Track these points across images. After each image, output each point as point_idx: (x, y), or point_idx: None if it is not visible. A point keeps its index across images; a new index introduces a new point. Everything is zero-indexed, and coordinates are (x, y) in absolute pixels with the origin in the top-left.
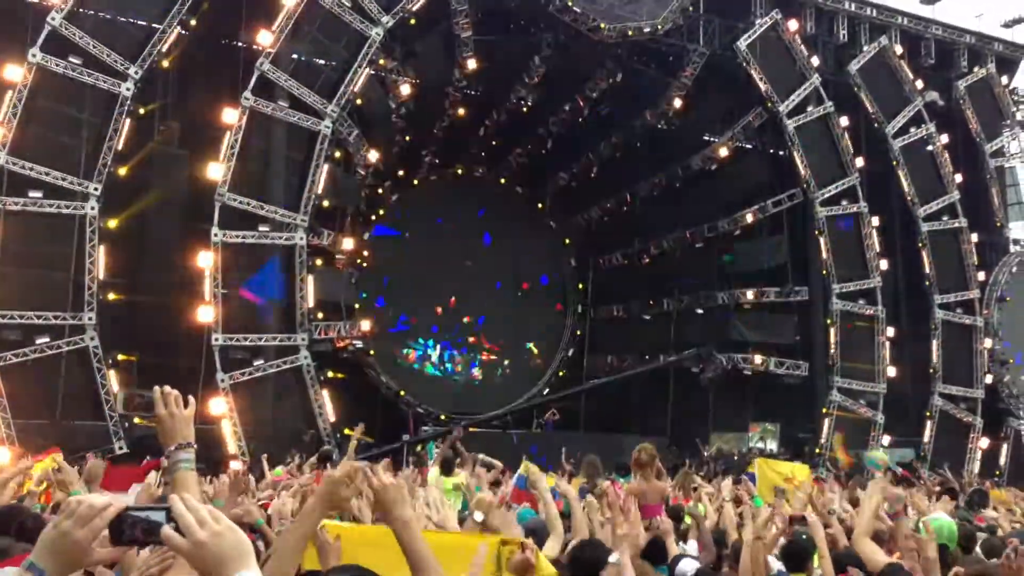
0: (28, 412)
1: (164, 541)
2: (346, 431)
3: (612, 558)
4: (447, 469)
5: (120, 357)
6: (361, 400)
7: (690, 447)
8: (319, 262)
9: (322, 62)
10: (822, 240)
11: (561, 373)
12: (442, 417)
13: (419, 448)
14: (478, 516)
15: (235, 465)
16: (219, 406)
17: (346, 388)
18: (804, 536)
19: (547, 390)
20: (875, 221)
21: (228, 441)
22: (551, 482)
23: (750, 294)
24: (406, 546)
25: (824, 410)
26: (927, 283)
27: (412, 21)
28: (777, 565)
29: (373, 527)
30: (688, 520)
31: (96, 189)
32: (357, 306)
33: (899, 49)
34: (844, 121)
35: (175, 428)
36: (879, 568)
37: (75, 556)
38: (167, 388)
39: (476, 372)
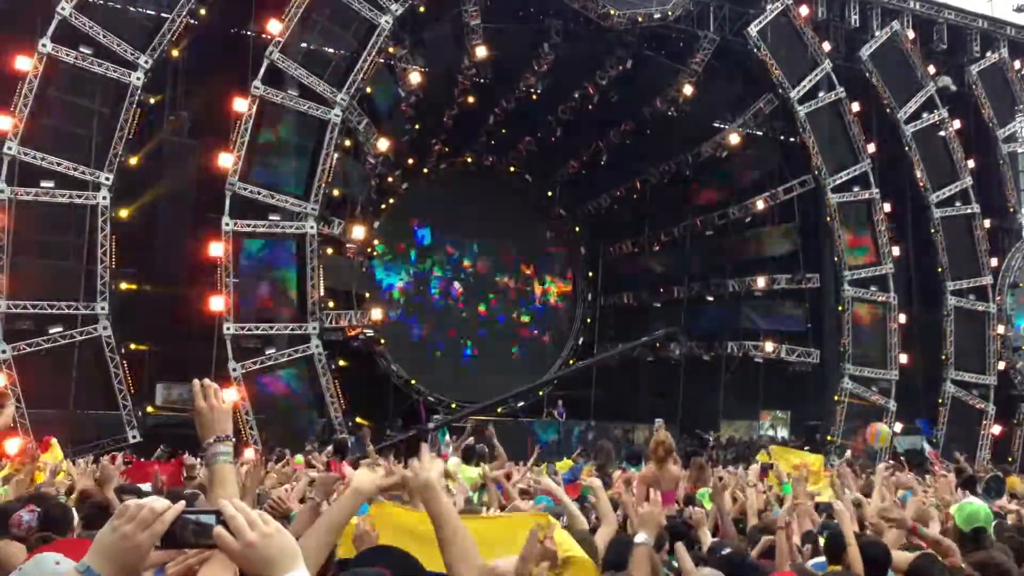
0: (42, 402)
1: (216, 542)
2: (358, 420)
3: (638, 538)
4: (468, 458)
5: (132, 346)
6: (372, 388)
7: (699, 435)
8: (330, 251)
9: (331, 51)
10: (834, 227)
11: (572, 361)
12: (452, 405)
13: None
14: None
15: (249, 454)
16: (231, 395)
17: (357, 376)
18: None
19: (556, 380)
20: (887, 207)
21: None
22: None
23: (761, 281)
24: (431, 508)
25: (836, 397)
26: (939, 269)
27: (421, 9)
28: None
29: (411, 512)
30: (708, 505)
31: (107, 179)
32: (367, 295)
33: (911, 34)
34: (856, 107)
35: (214, 421)
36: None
37: (134, 560)
38: (207, 381)
39: (486, 360)
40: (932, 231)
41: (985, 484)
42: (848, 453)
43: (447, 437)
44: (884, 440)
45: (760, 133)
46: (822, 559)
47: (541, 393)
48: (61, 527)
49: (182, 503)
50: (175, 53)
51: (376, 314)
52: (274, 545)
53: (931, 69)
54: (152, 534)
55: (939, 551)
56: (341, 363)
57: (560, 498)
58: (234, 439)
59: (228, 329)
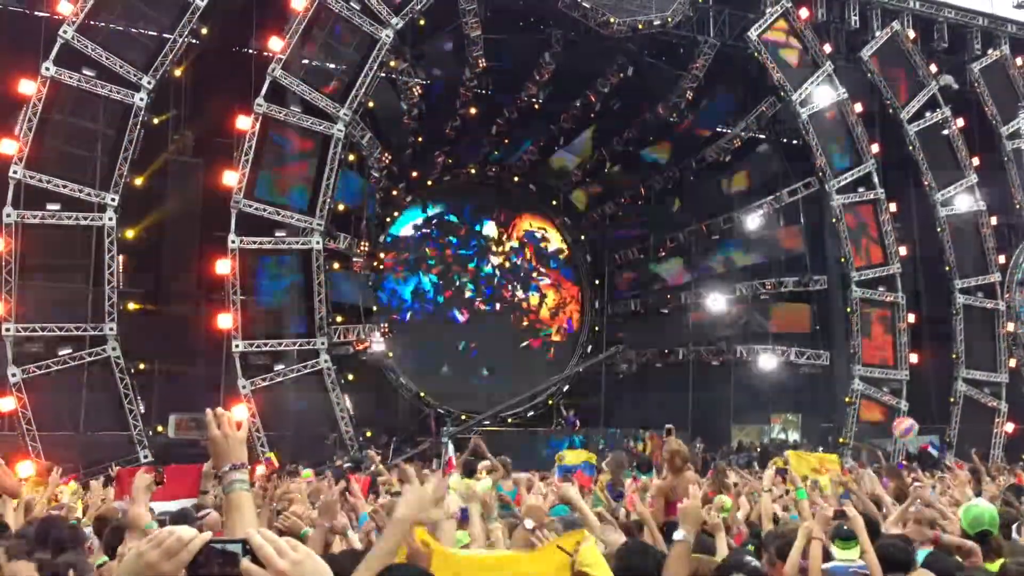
0: (52, 424)
1: (243, 574)
2: (368, 433)
3: (677, 535)
4: (469, 473)
5: (141, 366)
6: (381, 402)
7: (711, 440)
8: (336, 265)
9: (333, 66)
10: (839, 228)
11: (580, 370)
12: (462, 417)
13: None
14: (528, 523)
15: (259, 471)
16: (242, 414)
17: (366, 390)
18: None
19: (567, 387)
20: (892, 207)
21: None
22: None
23: (768, 284)
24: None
25: (847, 399)
26: (947, 268)
27: (422, 22)
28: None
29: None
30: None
31: (113, 200)
32: (375, 308)
33: (912, 33)
34: (858, 108)
35: (229, 449)
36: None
37: None
38: (220, 409)
39: (494, 371)
40: (939, 230)
41: (1003, 495)
42: (864, 454)
43: (451, 448)
44: (910, 435)
45: (763, 136)
46: (842, 562)
47: (551, 402)
48: (72, 548)
49: (208, 533)
50: (178, 73)
51: (384, 328)
52: (305, 571)
53: (933, 68)
54: (178, 563)
55: (961, 554)
56: (350, 377)
57: (581, 509)
58: (248, 466)
59: (237, 346)
